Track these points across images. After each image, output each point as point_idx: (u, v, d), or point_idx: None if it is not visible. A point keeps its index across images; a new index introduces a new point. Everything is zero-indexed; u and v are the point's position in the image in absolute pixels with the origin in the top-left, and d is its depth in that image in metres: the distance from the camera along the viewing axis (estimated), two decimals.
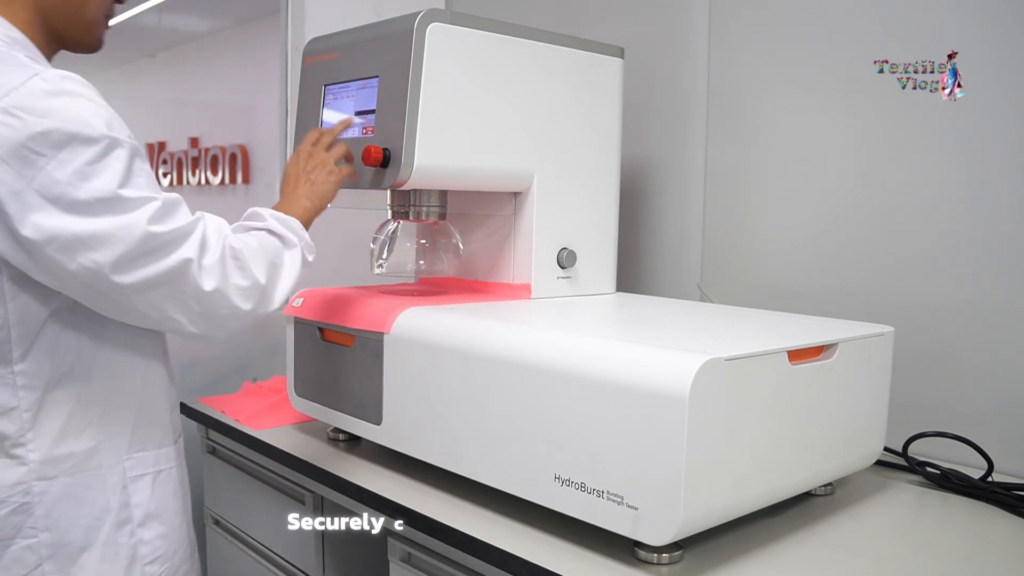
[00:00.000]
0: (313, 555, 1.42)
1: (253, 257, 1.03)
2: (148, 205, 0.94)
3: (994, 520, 1.11)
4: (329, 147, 1.24)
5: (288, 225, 1.11)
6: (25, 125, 0.88)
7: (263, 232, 1.09)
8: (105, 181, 0.91)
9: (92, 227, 0.90)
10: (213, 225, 1.02)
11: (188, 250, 0.96)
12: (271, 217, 1.11)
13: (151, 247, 0.94)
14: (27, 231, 0.89)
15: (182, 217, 0.98)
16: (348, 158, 1.27)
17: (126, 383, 1.08)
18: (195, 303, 0.98)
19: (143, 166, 0.96)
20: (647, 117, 1.71)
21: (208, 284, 0.98)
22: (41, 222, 0.89)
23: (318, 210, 1.19)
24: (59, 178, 0.89)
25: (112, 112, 0.95)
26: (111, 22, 1.14)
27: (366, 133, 1.29)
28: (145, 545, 1.08)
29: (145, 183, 0.95)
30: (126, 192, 0.92)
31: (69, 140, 0.89)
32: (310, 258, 1.13)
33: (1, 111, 0.88)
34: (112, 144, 0.92)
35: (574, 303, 1.38)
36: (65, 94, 0.91)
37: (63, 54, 1.11)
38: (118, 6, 1.13)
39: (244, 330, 1.07)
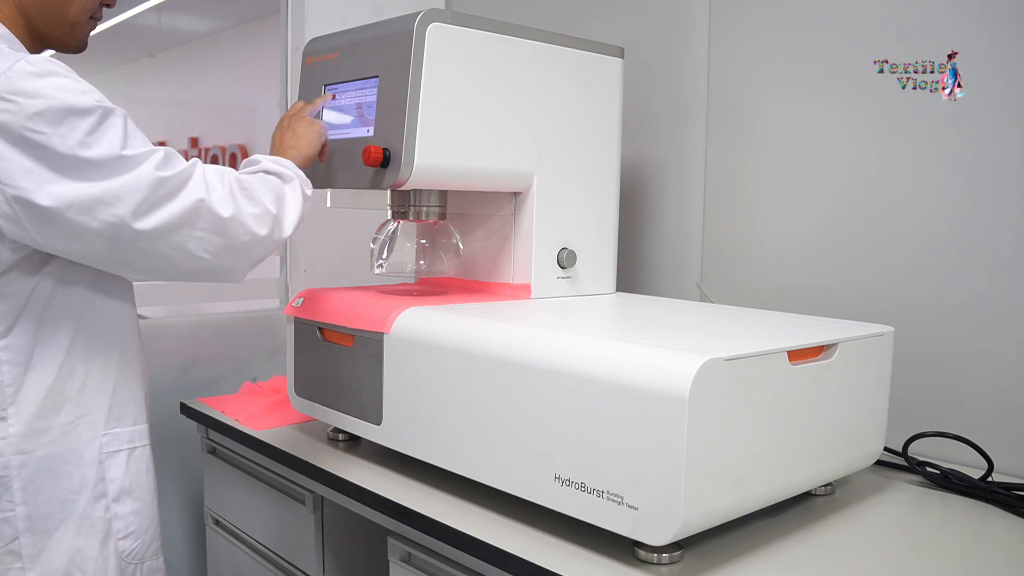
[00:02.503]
0: (313, 555, 1.42)
1: (258, 188, 1.09)
2: (152, 156, 0.99)
3: (994, 520, 1.11)
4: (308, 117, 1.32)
5: (281, 164, 1.17)
6: (21, 108, 0.91)
7: (260, 173, 1.14)
8: (107, 146, 0.95)
9: (105, 187, 0.95)
10: (212, 168, 1.07)
11: (197, 189, 1.01)
12: (265, 160, 1.17)
13: (164, 191, 0.98)
14: (45, 200, 0.93)
15: (181, 162, 1.03)
16: (324, 129, 1.33)
17: (105, 360, 1.11)
18: (216, 236, 1.03)
19: (136, 128, 1.01)
20: (647, 117, 1.71)
21: (225, 211, 1.03)
22: (56, 191, 0.93)
23: (305, 157, 1.24)
24: (63, 151, 0.93)
25: (97, 91, 0.99)
26: (106, 24, 1.15)
27: (366, 133, 1.29)
28: (119, 520, 1.11)
29: (142, 141, 1.00)
30: (128, 152, 0.97)
31: (65, 115, 0.93)
32: (308, 192, 1.18)
33: None
34: (106, 112, 0.96)
35: (574, 303, 1.38)
36: (51, 74, 0.95)
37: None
38: (107, 9, 1.14)
39: (261, 261, 1.12)
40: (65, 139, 0.92)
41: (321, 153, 1.32)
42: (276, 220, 1.09)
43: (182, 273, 1.05)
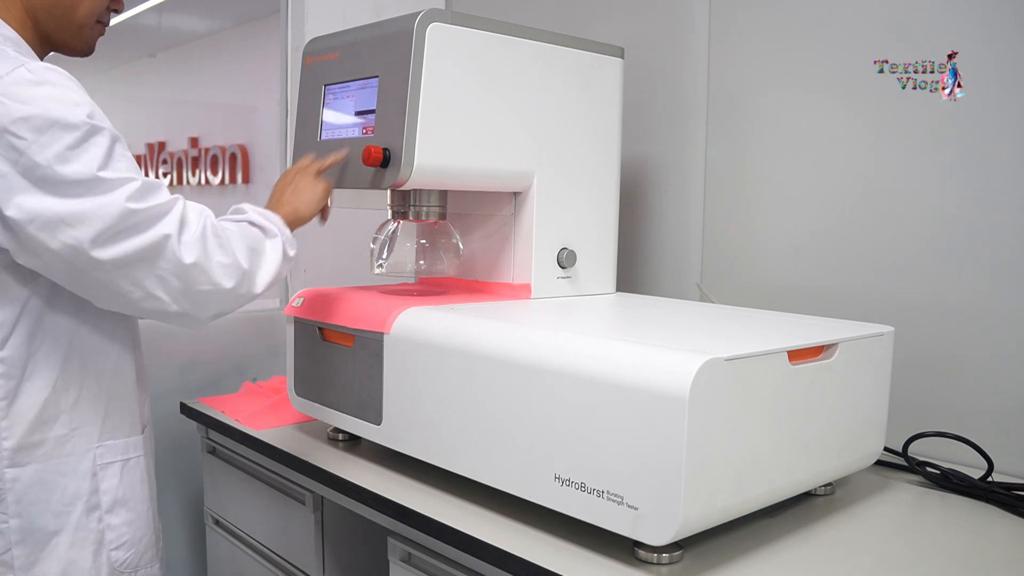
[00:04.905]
0: (313, 555, 1.42)
1: (234, 239, 1.05)
2: (127, 185, 0.96)
3: (994, 520, 1.11)
4: (317, 175, 1.26)
5: (268, 218, 1.13)
6: (7, 111, 0.91)
7: (244, 223, 1.11)
8: (84, 164, 0.93)
9: (71, 206, 0.93)
10: (194, 207, 1.04)
11: (167, 226, 0.98)
12: (252, 211, 1.13)
13: (130, 223, 0.95)
14: (10, 211, 0.92)
15: (161, 196, 0.99)
16: (329, 190, 1.27)
17: (100, 372, 1.10)
18: (175, 278, 0.99)
19: (124, 152, 0.98)
20: (647, 117, 1.71)
21: (188, 257, 0.99)
22: (23, 202, 0.92)
23: (300, 215, 1.20)
24: (40, 161, 0.92)
25: (94, 104, 0.97)
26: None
27: (366, 133, 1.29)
28: (112, 531, 1.11)
29: (125, 167, 0.97)
30: (105, 174, 0.95)
31: (50, 125, 0.92)
32: (291, 252, 1.14)
33: None
34: (92, 130, 0.95)
35: (574, 303, 1.38)
36: (48, 83, 0.94)
37: (64, 57, 1.12)
38: (114, 13, 1.14)
39: (226, 313, 1.07)
40: (44, 149, 0.91)
41: (322, 213, 1.28)
42: (246, 275, 1.05)
43: (140, 311, 1.02)
